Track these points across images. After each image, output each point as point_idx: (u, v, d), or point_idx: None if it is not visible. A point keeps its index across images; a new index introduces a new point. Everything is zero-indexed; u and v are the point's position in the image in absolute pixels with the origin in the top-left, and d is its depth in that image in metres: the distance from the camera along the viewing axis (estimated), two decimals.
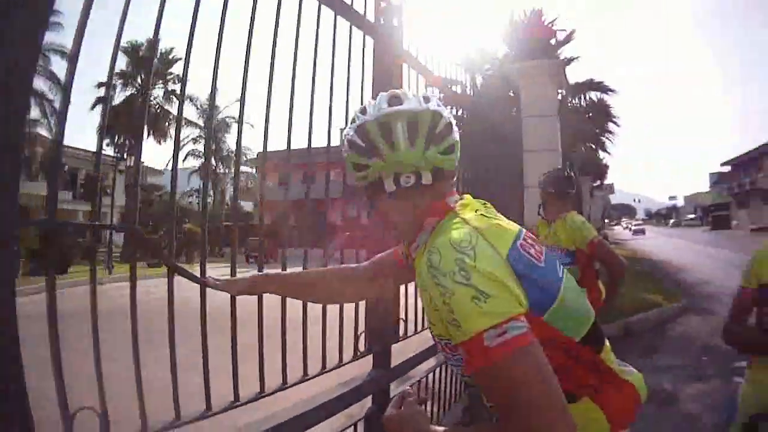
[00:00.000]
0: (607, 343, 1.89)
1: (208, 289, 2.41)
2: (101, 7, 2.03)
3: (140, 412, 2.17)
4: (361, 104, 3.55)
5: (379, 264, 2.34)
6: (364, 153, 1.81)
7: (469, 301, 1.46)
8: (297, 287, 2.48)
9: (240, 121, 2.76)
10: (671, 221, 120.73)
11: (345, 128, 1.92)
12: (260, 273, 2.46)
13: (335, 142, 3.31)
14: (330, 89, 3.36)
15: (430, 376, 5.01)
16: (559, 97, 11.96)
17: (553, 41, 19.63)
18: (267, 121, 2.79)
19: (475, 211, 1.81)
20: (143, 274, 11.14)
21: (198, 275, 2.41)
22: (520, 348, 1.43)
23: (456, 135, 1.87)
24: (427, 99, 1.85)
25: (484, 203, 1.96)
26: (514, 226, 1.81)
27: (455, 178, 1.94)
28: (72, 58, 1.91)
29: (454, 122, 1.88)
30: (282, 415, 2.79)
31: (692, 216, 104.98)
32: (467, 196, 1.92)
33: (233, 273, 2.64)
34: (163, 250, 2.37)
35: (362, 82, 3.75)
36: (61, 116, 1.93)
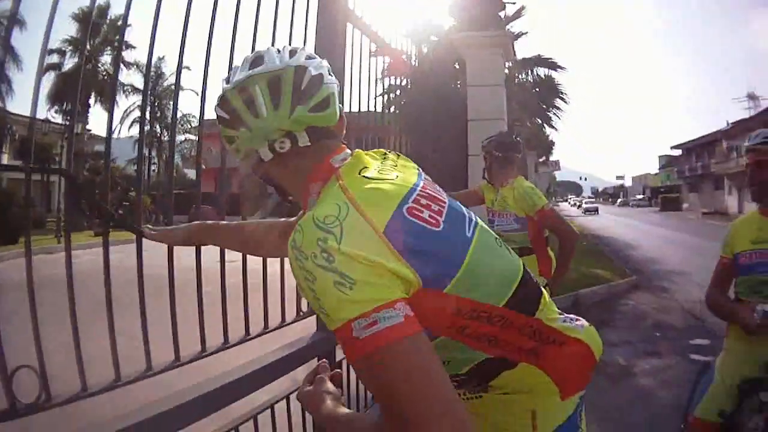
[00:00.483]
0: (547, 298, 1.80)
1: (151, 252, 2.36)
2: None
3: (79, 372, 2.12)
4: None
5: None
6: (229, 125, 1.70)
7: (332, 287, 1.32)
8: (237, 238, 2.38)
9: (177, 83, 2.70)
10: (619, 200, 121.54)
11: None
12: (198, 222, 2.37)
13: None
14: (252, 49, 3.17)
15: None
16: (506, 70, 12.06)
17: (502, 14, 19.86)
18: (204, 85, 2.73)
19: (359, 172, 1.64)
20: (87, 242, 11.01)
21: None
22: (393, 339, 1.29)
23: (331, 86, 1.72)
24: (292, 53, 1.71)
25: (384, 153, 1.86)
26: (404, 185, 1.60)
27: (344, 133, 1.80)
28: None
29: (326, 72, 1.73)
30: (225, 376, 2.71)
31: (641, 196, 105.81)
32: (358, 152, 1.75)
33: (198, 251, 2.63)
34: (100, 202, 2.29)
35: (304, 42, 3.56)
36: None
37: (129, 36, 46.10)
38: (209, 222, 2.39)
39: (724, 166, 60.49)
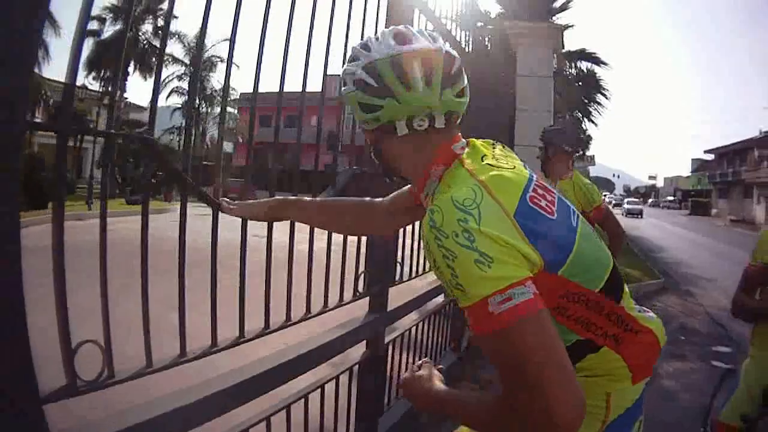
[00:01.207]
0: (627, 288, 1.86)
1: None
2: None
3: (145, 347, 2.07)
4: (345, 48, 3.45)
5: (396, 201, 2.25)
6: (375, 93, 1.68)
7: (472, 265, 1.38)
8: (316, 214, 2.36)
9: (229, 62, 2.65)
10: (650, 200, 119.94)
11: (345, 66, 1.77)
12: (278, 197, 2.35)
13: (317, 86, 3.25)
14: (329, 30, 3.19)
15: (416, 327, 5.06)
16: (554, 61, 12.00)
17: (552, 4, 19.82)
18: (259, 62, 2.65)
19: (482, 159, 1.70)
20: (119, 210, 11.03)
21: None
22: (525, 315, 1.36)
23: (466, 79, 1.77)
24: (435, 38, 1.74)
25: (492, 143, 1.88)
26: (523, 175, 1.69)
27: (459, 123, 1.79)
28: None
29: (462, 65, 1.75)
30: (286, 354, 2.77)
31: (672, 198, 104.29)
32: (473, 140, 1.81)
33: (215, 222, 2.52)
34: (181, 173, 2.26)
35: (376, 25, 3.62)
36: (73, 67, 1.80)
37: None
38: (290, 197, 2.36)
39: (754, 174, 59.84)
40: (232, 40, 2.50)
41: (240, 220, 2.49)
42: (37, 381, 1.56)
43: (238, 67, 36.54)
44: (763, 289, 3.66)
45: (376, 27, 3.62)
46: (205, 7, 2.31)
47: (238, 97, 46.65)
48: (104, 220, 1.95)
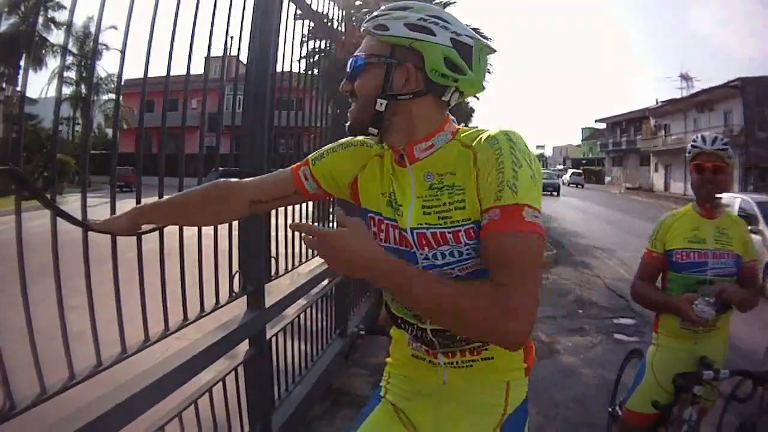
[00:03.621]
0: None
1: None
2: None
3: (37, 374, 2.17)
4: (227, 32, 3.61)
5: (268, 188, 2.29)
6: (467, 61, 1.89)
7: (528, 178, 1.72)
8: (175, 212, 2.43)
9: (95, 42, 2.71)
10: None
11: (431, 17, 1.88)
12: (134, 207, 2.41)
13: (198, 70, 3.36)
14: (195, 14, 3.18)
15: (302, 315, 5.18)
16: None
17: None
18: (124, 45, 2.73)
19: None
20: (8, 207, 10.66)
21: (79, 218, 2.39)
22: (540, 234, 1.71)
23: None
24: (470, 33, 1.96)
25: None
26: None
27: None
28: None
29: None
30: (167, 364, 2.87)
31: (560, 167, 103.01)
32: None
33: (113, 207, 2.61)
34: (44, 192, 2.31)
35: (230, 8, 3.58)
36: None
37: None
38: (145, 204, 2.43)
39: (651, 143, 62.53)
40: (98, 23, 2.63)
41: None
42: None
43: (121, 52, 35.66)
44: (664, 276, 3.87)
45: (243, 11, 3.73)
46: None
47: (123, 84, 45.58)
48: None
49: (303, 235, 1.79)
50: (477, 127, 1.98)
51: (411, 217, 1.89)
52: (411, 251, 1.90)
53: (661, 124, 61.55)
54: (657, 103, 64.17)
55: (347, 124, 1.97)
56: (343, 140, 2.22)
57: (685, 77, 64.75)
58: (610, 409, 4.70)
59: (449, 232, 1.82)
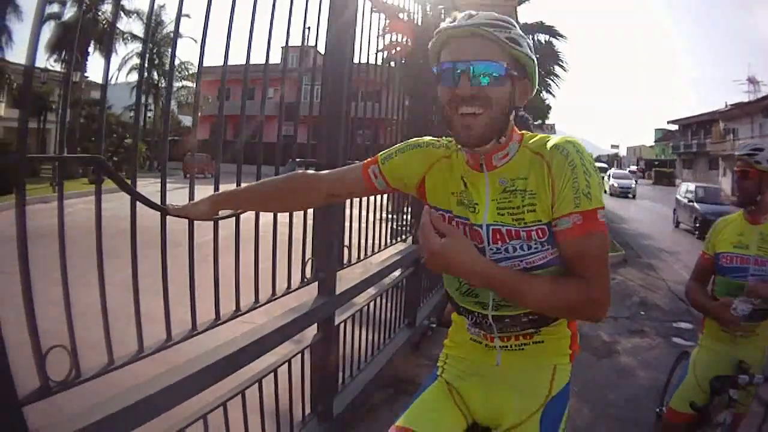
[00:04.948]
0: None
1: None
2: None
3: (107, 346, 2.26)
4: (305, 22, 3.67)
5: (341, 183, 2.39)
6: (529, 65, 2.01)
7: (597, 185, 1.91)
8: (250, 201, 2.55)
9: (176, 31, 2.78)
10: (612, 170, 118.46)
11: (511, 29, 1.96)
12: (214, 194, 2.52)
13: (276, 59, 3.43)
14: (272, 5, 3.29)
15: (371, 304, 5.23)
16: None
17: None
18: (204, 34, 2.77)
19: None
20: (83, 190, 10.91)
21: (158, 203, 2.50)
22: (606, 231, 1.94)
23: None
24: None
25: None
26: None
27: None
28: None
29: None
30: (237, 342, 2.97)
31: (635, 167, 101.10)
32: None
33: (192, 194, 2.67)
34: (126, 179, 2.36)
35: (306, 1, 3.65)
36: (33, 50, 1.98)
37: None
38: (224, 192, 2.54)
39: (720, 146, 60.71)
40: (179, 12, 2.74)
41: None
42: (15, 385, 1.75)
43: (195, 41, 36.25)
44: (713, 279, 3.86)
45: (320, 3, 3.79)
46: None
47: (196, 71, 46.20)
48: (62, 227, 2.11)
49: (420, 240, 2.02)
50: (550, 125, 2.07)
51: (487, 215, 2.02)
52: (480, 246, 2.02)
53: (730, 128, 59.55)
54: (726, 106, 62.23)
55: (469, 134, 1.93)
56: (410, 141, 2.31)
57: (752, 81, 62.40)
58: (657, 410, 4.68)
59: (523, 231, 1.97)
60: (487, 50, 1.91)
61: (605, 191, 35.87)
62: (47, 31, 42.28)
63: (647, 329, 8.88)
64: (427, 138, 2.30)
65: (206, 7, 2.71)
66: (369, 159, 2.34)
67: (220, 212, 2.62)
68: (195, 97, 2.95)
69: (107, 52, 2.59)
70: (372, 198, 5.08)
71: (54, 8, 41.76)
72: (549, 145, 1.97)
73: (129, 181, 2.36)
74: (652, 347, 8.04)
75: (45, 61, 41.80)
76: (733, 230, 3.75)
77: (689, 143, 72.58)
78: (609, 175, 53.70)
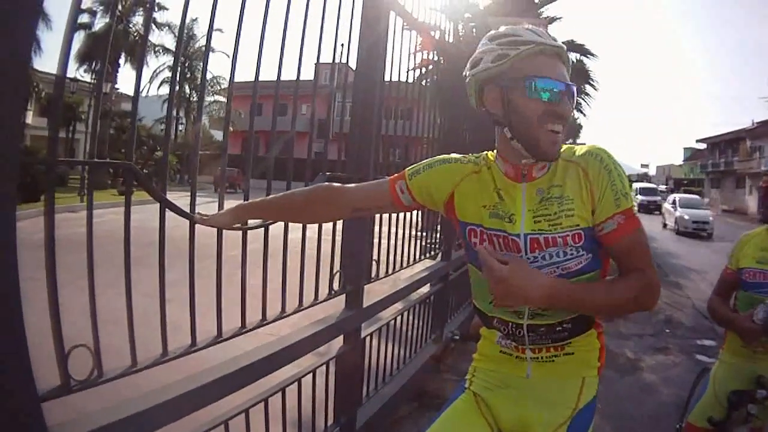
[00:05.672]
0: None
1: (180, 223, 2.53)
2: None
3: (130, 347, 2.27)
4: (337, 40, 3.69)
5: (367, 197, 2.41)
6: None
7: (629, 185, 2.05)
8: (276, 212, 2.62)
9: (207, 45, 2.80)
10: (676, 196, 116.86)
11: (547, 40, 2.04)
12: (239, 204, 2.54)
13: (307, 75, 3.42)
14: (304, 22, 3.28)
15: (398, 318, 5.20)
16: None
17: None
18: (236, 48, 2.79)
19: None
20: (111, 201, 11.04)
21: (187, 210, 2.53)
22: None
23: None
24: None
25: None
26: None
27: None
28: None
29: None
30: (261, 351, 2.96)
31: (664, 187, 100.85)
32: None
33: (221, 206, 2.67)
34: (155, 186, 2.39)
35: (351, 21, 3.80)
36: (64, 60, 1.99)
37: None
38: (251, 201, 2.56)
39: (746, 165, 59.78)
40: (210, 26, 2.69)
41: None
42: (35, 381, 1.76)
43: (227, 56, 36.38)
44: (737, 294, 3.81)
45: (351, 21, 3.84)
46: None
47: (227, 86, 46.60)
48: (91, 227, 2.13)
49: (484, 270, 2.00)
50: (582, 144, 2.19)
51: (524, 225, 2.06)
52: (517, 255, 2.06)
53: (756, 146, 58.94)
54: (753, 124, 61.54)
55: (555, 150, 2.04)
56: (438, 157, 2.34)
57: None
58: (677, 426, 4.62)
59: (559, 237, 2.01)
60: (566, 72, 2.05)
61: (664, 226, 37.31)
62: (77, 41, 42.62)
63: (671, 346, 8.81)
64: (454, 154, 2.33)
65: (237, 23, 2.74)
66: (396, 174, 2.35)
67: (248, 223, 2.70)
68: (226, 113, 2.97)
69: (139, 63, 2.62)
70: (403, 215, 5.08)
71: (85, 18, 42.00)
72: (581, 152, 2.09)
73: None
74: (675, 364, 7.97)
75: (75, 71, 42.05)
76: (756, 245, 3.69)
77: (717, 162, 71.54)
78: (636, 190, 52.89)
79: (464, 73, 2.18)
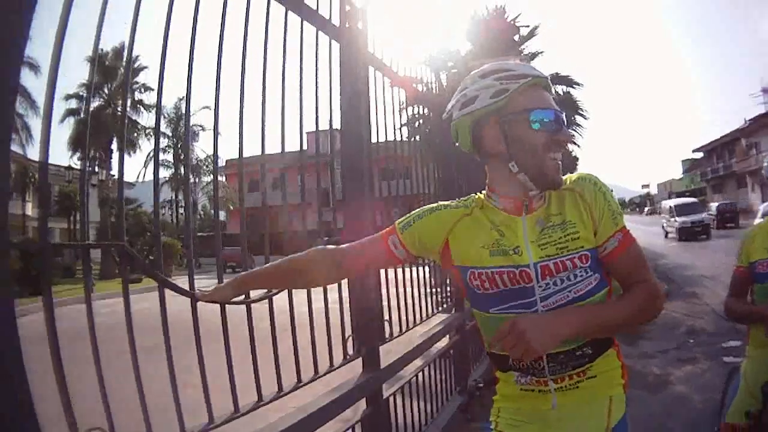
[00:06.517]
0: None
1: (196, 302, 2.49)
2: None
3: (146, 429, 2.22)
4: (330, 107, 3.70)
5: (361, 254, 2.38)
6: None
7: (618, 207, 2.14)
8: (277, 277, 2.54)
9: (215, 129, 2.79)
10: (646, 209, 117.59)
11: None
12: (239, 275, 2.49)
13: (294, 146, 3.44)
14: (300, 95, 3.40)
15: (419, 374, 5.10)
16: None
17: (516, 37, 19.90)
18: (241, 127, 2.84)
19: None
20: (119, 291, 11.13)
21: (186, 288, 2.48)
22: None
23: None
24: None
25: None
26: None
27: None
28: (50, 83, 1.92)
29: None
30: (281, 423, 2.85)
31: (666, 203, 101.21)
32: None
33: (221, 280, 2.65)
34: (151, 266, 2.40)
35: (330, 85, 3.81)
36: (44, 140, 1.96)
37: (146, 77, 46.98)
38: (248, 272, 2.50)
39: (745, 164, 60.01)
40: (216, 109, 2.77)
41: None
42: None
43: (220, 134, 36.52)
44: (751, 289, 3.77)
45: (330, 86, 3.85)
46: (188, 78, 2.61)
47: (224, 164, 47.10)
48: (90, 309, 2.11)
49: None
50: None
51: (531, 254, 2.05)
52: (528, 285, 2.05)
53: (752, 143, 59.13)
54: (745, 122, 61.54)
55: (560, 176, 2.12)
56: (426, 207, 2.35)
57: (766, 91, 61.47)
58: (716, 429, 4.53)
59: (567, 259, 2.03)
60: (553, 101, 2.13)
61: (666, 235, 39.24)
62: (68, 127, 42.90)
63: (698, 355, 8.77)
64: (442, 202, 2.34)
65: (214, 101, 2.79)
66: (387, 229, 2.35)
67: (252, 296, 2.72)
68: (214, 192, 2.97)
69: (120, 143, 2.63)
70: (409, 273, 5.14)
71: (72, 104, 42.25)
72: (573, 179, 2.16)
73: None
74: (704, 371, 7.93)
75: (68, 159, 42.36)
76: (765, 237, 3.67)
77: (716, 167, 71.73)
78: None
79: (451, 115, 2.20)
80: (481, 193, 2.27)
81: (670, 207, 39.44)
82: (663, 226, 40.47)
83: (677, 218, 36.18)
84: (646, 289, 2.08)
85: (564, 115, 2.09)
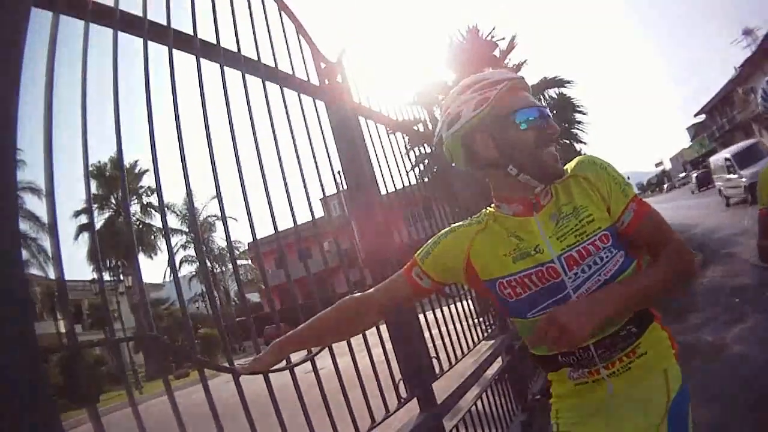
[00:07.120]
0: None
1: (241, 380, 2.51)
2: (56, 136, 2.04)
3: None
4: (332, 168, 3.73)
5: (389, 293, 2.38)
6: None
7: (624, 178, 2.15)
8: (310, 339, 2.54)
9: (223, 216, 2.85)
10: (665, 186, 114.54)
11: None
12: (274, 342, 2.46)
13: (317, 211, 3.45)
14: (298, 163, 3.41)
15: (479, 402, 5.05)
16: None
17: (497, 52, 19.82)
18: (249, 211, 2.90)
19: None
20: (176, 385, 11.20)
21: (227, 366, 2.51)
22: None
23: None
24: None
25: None
26: None
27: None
28: (49, 196, 2.00)
29: None
30: None
31: (683, 174, 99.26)
32: None
33: (258, 351, 2.60)
34: (189, 350, 2.43)
35: (325, 144, 3.79)
36: (56, 254, 2.02)
37: (149, 180, 47.83)
38: (284, 336, 2.48)
39: (747, 112, 58.98)
40: (219, 196, 2.83)
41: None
42: None
43: (236, 220, 36.99)
44: None
45: (326, 145, 3.82)
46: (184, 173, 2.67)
47: (246, 248, 47.60)
48: (134, 407, 2.09)
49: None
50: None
51: (552, 249, 2.06)
52: (557, 280, 2.05)
53: (748, 89, 58.16)
54: (736, 70, 60.71)
55: (558, 168, 2.12)
56: (441, 232, 2.35)
57: (747, 32, 60.15)
58: None
59: (589, 244, 2.03)
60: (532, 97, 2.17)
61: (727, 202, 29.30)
62: (83, 242, 44.06)
63: (747, 312, 8.53)
64: (453, 224, 2.35)
65: (215, 189, 2.82)
66: (408, 264, 2.36)
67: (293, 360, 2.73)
68: (236, 276, 3.01)
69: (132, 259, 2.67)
70: (450, 308, 5.14)
71: (82, 219, 43.25)
72: (572, 165, 2.19)
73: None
74: (756, 325, 7.75)
75: (90, 273, 42.78)
76: None
77: (721, 124, 70.74)
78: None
79: (441, 138, 2.23)
80: (490, 206, 2.28)
81: (726, 160, 26.22)
82: (720, 191, 28.04)
83: (742, 172, 23.89)
84: (675, 251, 2.07)
85: (548, 110, 2.13)
